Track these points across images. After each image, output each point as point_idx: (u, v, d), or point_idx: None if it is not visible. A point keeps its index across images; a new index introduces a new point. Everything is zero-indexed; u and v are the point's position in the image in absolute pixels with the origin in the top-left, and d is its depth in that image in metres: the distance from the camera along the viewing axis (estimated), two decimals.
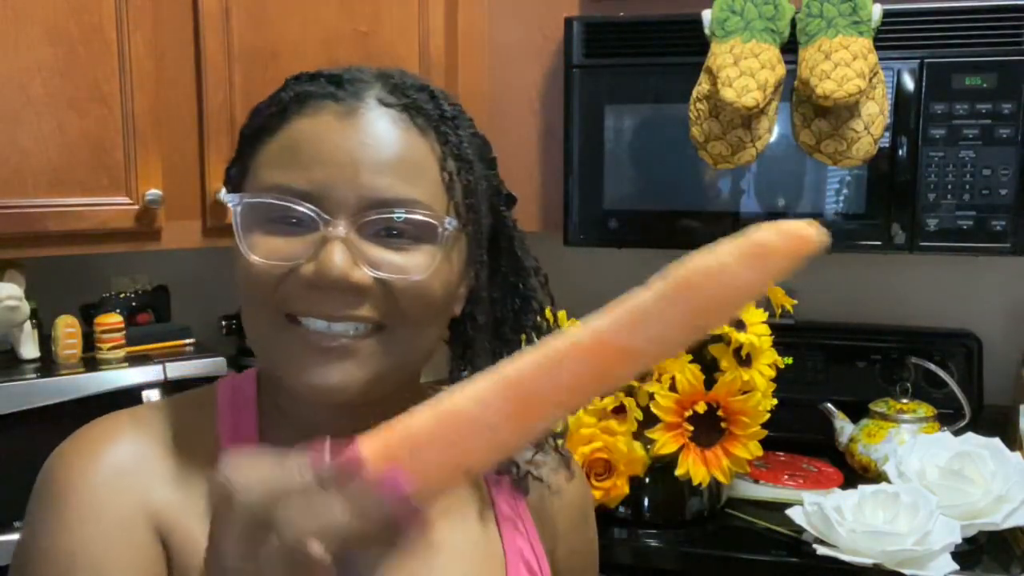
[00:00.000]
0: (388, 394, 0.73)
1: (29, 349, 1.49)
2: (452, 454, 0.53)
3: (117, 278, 1.71)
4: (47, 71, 1.39)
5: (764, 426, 1.43)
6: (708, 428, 1.43)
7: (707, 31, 1.60)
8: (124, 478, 0.72)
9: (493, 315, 0.81)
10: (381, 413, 0.73)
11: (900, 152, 1.59)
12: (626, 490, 1.45)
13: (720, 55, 1.55)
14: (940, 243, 1.59)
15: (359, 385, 0.71)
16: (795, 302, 1.55)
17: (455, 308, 0.78)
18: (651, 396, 1.42)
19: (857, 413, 1.73)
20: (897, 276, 1.95)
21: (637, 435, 1.44)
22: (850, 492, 1.42)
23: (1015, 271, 1.89)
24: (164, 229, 1.54)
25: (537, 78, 1.81)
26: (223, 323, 1.84)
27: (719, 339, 1.42)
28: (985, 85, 1.54)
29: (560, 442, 0.89)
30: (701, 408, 1.41)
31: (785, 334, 1.56)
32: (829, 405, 1.77)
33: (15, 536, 1.32)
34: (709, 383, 1.42)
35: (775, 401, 1.45)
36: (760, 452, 1.44)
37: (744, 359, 1.43)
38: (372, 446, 0.52)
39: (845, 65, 1.48)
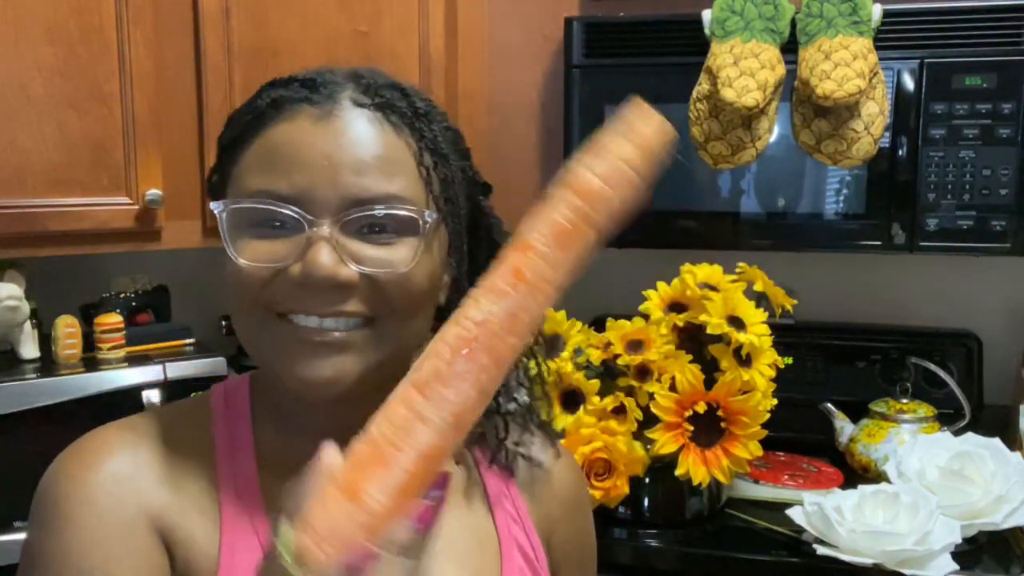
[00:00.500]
0: (378, 387, 0.73)
1: (29, 349, 1.49)
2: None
3: (117, 278, 1.71)
4: (47, 71, 1.39)
5: (764, 426, 1.43)
6: (708, 428, 1.43)
7: (707, 31, 1.60)
8: (123, 485, 0.73)
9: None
10: (372, 408, 0.75)
11: (900, 152, 1.59)
12: (626, 490, 1.44)
13: (720, 55, 1.55)
14: (940, 243, 1.59)
15: (352, 378, 0.73)
16: (795, 302, 1.55)
17: (440, 297, 0.80)
18: (651, 396, 1.42)
19: (857, 413, 1.73)
20: (897, 276, 1.95)
21: (637, 435, 1.44)
22: (850, 492, 1.42)
23: (1015, 271, 1.89)
24: (164, 229, 1.54)
25: (537, 78, 1.81)
26: (223, 323, 1.84)
27: (719, 339, 1.42)
28: (985, 85, 1.54)
29: (543, 421, 0.91)
30: (701, 408, 1.41)
31: (785, 334, 1.56)
32: (829, 405, 1.77)
33: (15, 536, 1.33)
34: (709, 383, 1.42)
35: (775, 401, 1.45)
36: (760, 452, 1.44)
37: (744, 359, 1.43)
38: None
39: (845, 65, 1.48)
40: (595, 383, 1.44)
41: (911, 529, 1.32)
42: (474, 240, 0.83)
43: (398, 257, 0.72)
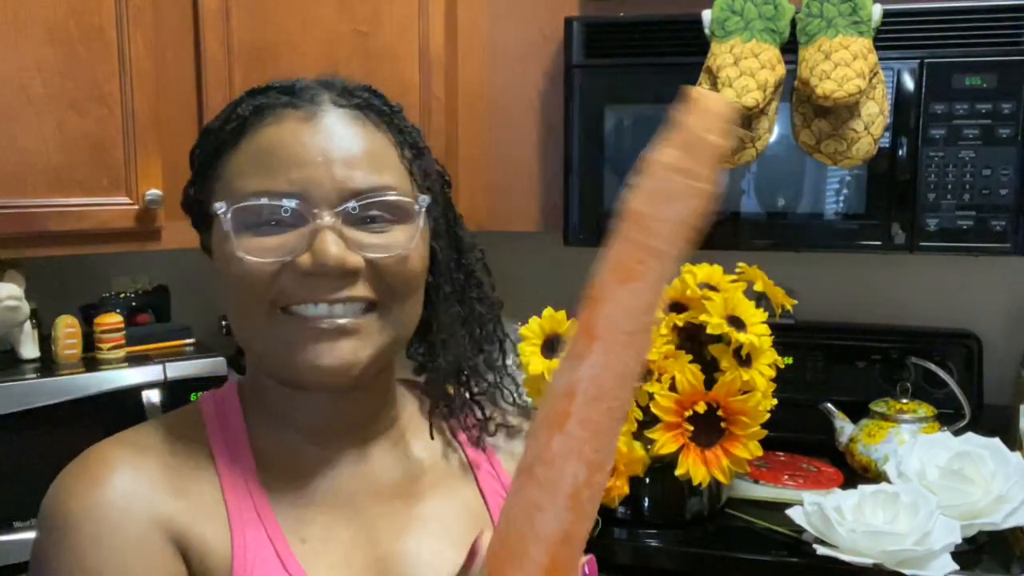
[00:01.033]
0: (374, 377, 0.79)
1: (29, 349, 1.49)
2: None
3: (117, 278, 1.71)
4: (47, 71, 1.39)
5: (764, 426, 1.43)
6: (708, 428, 1.43)
7: (707, 31, 1.60)
8: (132, 498, 0.74)
9: (448, 286, 0.88)
10: (365, 402, 0.82)
11: (900, 152, 1.59)
12: (626, 490, 1.44)
13: (720, 55, 1.55)
14: (940, 243, 1.59)
15: (363, 362, 0.76)
16: (795, 302, 1.55)
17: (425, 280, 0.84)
18: (651, 396, 1.42)
19: (857, 413, 1.73)
20: (897, 276, 1.95)
21: (637, 435, 1.44)
22: (850, 492, 1.42)
23: (1015, 271, 1.89)
24: (164, 229, 1.54)
25: (537, 78, 1.81)
26: (223, 323, 1.83)
27: (719, 339, 1.42)
28: (985, 85, 1.54)
29: (512, 396, 0.95)
30: (701, 408, 1.40)
31: (785, 334, 1.56)
32: (829, 405, 1.77)
33: (15, 536, 1.33)
34: (709, 383, 1.42)
35: (775, 401, 1.45)
36: (760, 452, 1.44)
37: (744, 359, 1.43)
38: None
39: (845, 65, 1.48)
40: None
41: (911, 529, 1.32)
42: (443, 230, 0.87)
43: (396, 242, 0.77)
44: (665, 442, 1.41)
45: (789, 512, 1.45)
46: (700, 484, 1.42)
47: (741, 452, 1.42)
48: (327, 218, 0.74)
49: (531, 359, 1.42)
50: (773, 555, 1.44)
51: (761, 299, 1.51)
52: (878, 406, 1.70)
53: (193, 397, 1.47)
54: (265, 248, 0.74)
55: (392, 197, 0.76)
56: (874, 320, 1.95)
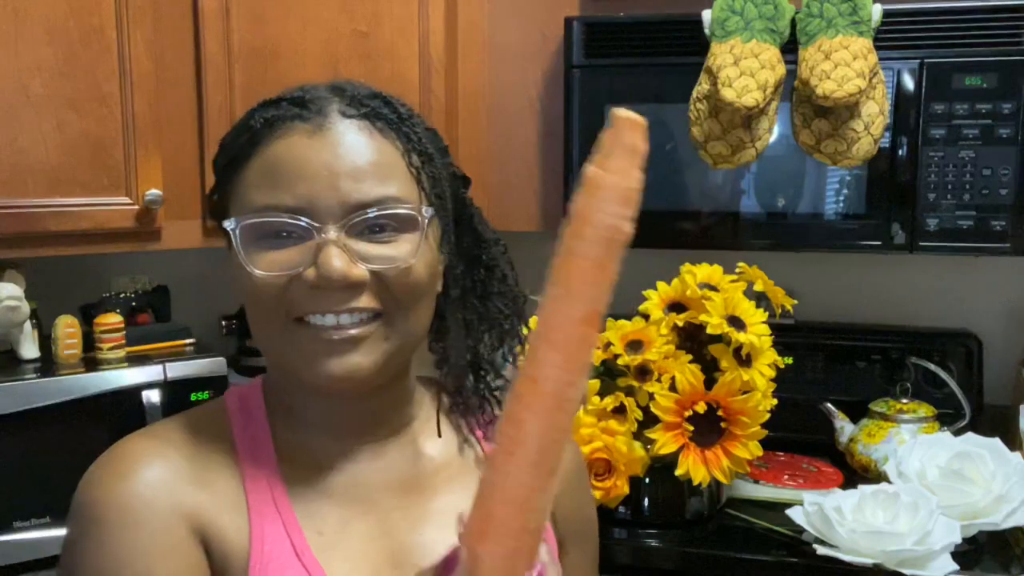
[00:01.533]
0: (388, 380, 0.82)
1: (29, 349, 1.49)
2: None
3: (117, 278, 1.71)
4: (47, 71, 1.39)
5: (764, 426, 1.43)
6: (708, 428, 1.43)
7: (707, 31, 1.60)
8: (157, 490, 0.76)
9: (461, 287, 0.90)
10: (381, 402, 0.85)
11: (900, 152, 1.59)
12: (626, 490, 1.44)
13: (720, 55, 1.55)
14: (940, 243, 1.59)
15: (370, 368, 0.79)
16: (795, 302, 1.55)
17: (438, 286, 0.86)
18: (651, 396, 1.42)
19: (857, 413, 1.73)
20: (897, 276, 1.95)
21: (637, 435, 1.44)
22: (850, 492, 1.42)
23: (1015, 271, 1.89)
24: (164, 229, 1.54)
25: (537, 78, 1.81)
26: (223, 323, 1.84)
27: (719, 339, 1.42)
28: (985, 85, 1.54)
29: None
30: (701, 408, 1.41)
31: (785, 334, 1.56)
32: (829, 405, 1.77)
33: (15, 536, 1.33)
34: (709, 383, 1.42)
35: (775, 401, 1.45)
36: (760, 452, 1.44)
37: (744, 359, 1.43)
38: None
39: (845, 65, 1.48)
40: (595, 383, 1.44)
41: (911, 529, 1.32)
42: (459, 230, 0.89)
43: (401, 253, 0.78)
44: (665, 442, 1.41)
45: (789, 512, 1.45)
46: (700, 484, 1.42)
47: (741, 452, 1.42)
48: (331, 232, 0.76)
49: None
50: (773, 555, 1.44)
51: (761, 299, 1.51)
52: (878, 406, 1.70)
53: (193, 397, 1.48)
54: (273, 262, 0.77)
55: (396, 210, 0.78)
56: (874, 320, 1.95)
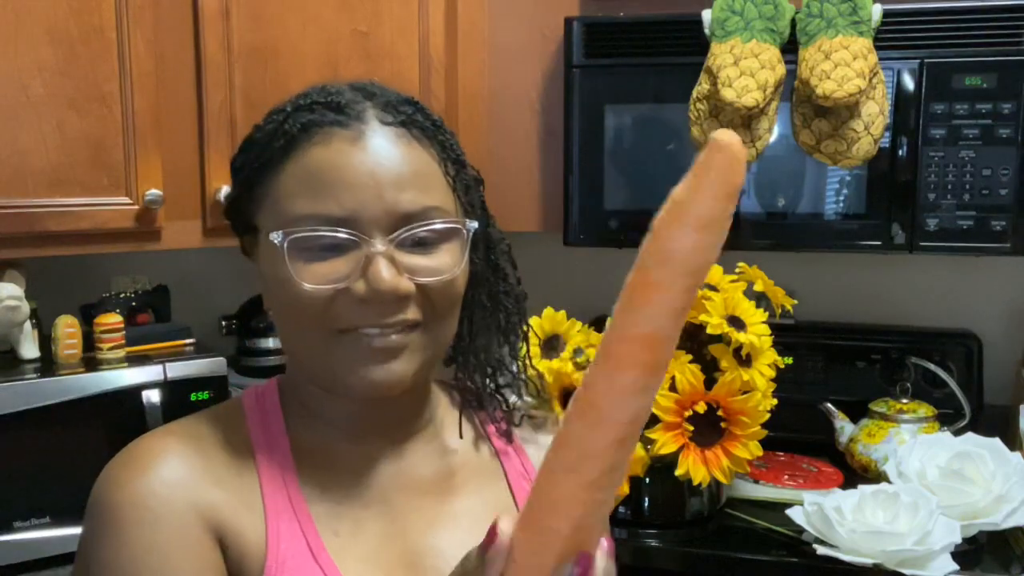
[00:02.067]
0: (414, 384, 0.82)
1: (29, 349, 1.49)
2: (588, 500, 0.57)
3: (117, 278, 1.71)
4: (47, 71, 1.39)
5: (764, 426, 1.43)
6: (708, 428, 1.43)
7: (707, 31, 1.60)
8: (174, 487, 0.76)
9: (478, 289, 0.90)
10: (403, 404, 0.85)
11: (900, 152, 1.59)
12: (626, 490, 1.44)
13: (720, 55, 1.55)
14: (940, 243, 1.59)
15: (411, 376, 0.79)
16: (795, 302, 1.55)
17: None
18: None
19: (857, 413, 1.73)
20: (897, 276, 1.95)
21: None
22: (850, 492, 1.42)
23: (1015, 271, 1.89)
24: (164, 229, 1.54)
25: (537, 78, 1.81)
26: (223, 323, 1.84)
27: (719, 339, 1.42)
28: (985, 85, 1.54)
29: (535, 388, 0.99)
30: (701, 408, 1.40)
31: (785, 334, 1.56)
32: (829, 405, 1.77)
33: (15, 536, 1.33)
34: (709, 383, 1.42)
35: (775, 401, 1.45)
36: (760, 452, 1.44)
37: (744, 359, 1.43)
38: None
39: (845, 65, 1.48)
40: None
41: (911, 529, 1.32)
42: (479, 234, 0.88)
43: (444, 264, 0.79)
44: (665, 442, 1.41)
45: (789, 512, 1.45)
46: (700, 484, 1.42)
47: (741, 452, 1.42)
48: (379, 244, 0.75)
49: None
50: (773, 555, 1.44)
51: (761, 299, 1.51)
52: (878, 406, 1.70)
53: (193, 397, 1.48)
54: (319, 275, 0.76)
55: (441, 226, 0.78)
56: (874, 320, 1.95)
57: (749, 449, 1.43)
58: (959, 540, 1.34)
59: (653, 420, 1.42)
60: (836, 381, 1.89)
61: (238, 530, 0.77)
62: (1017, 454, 1.45)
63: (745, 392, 1.41)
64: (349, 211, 0.75)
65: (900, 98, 1.58)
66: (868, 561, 1.32)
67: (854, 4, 1.51)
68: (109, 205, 1.46)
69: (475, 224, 0.81)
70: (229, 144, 1.54)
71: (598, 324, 1.54)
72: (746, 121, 1.55)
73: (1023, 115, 1.53)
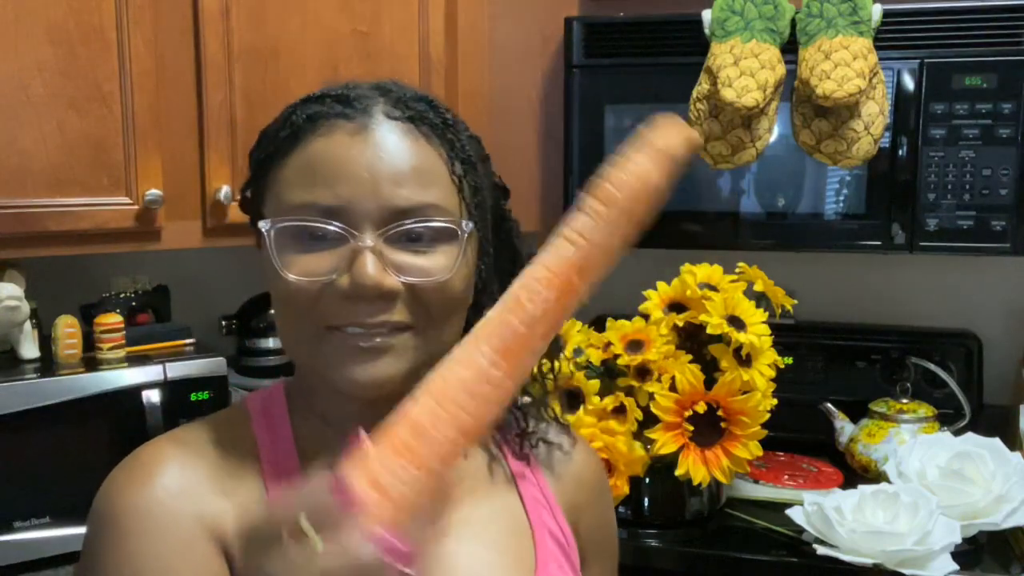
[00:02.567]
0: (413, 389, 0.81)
1: (29, 349, 1.49)
2: (458, 422, 0.60)
3: (117, 278, 1.71)
4: (47, 71, 1.39)
5: (764, 426, 1.43)
6: (708, 428, 1.43)
7: (707, 31, 1.60)
8: (178, 497, 0.75)
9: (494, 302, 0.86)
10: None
11: (900, 152, 1.59)
12: (626, 490, 1.44)
13: (720, 55, 1.55)
14: (940, 243, 1.59)
15: (398, 378, 0.76)
16: (795, 302, 1.55)
17: (470, 299, 0.83)
18: (651, 396, 1.42)
19: (857, 413, 1.73)
20: (897, 276, 1.95)
21: (637, 435, 1.44)
22: (850, 492, 1.42)
23: (1015, 271, 1.89)
24: (164, 229, 1.54)
25: (537, 78, 1.81)
26: (223, 323, 1.84)
27: (719, 339, 1.42)
28: (985, 85, 1.54)
29: (554, 412, 0.96)
30: (701, 408, 1.41)
31: (785, 334, 1.56)
32: (829, 405, 1.77)
33: (15, 536, 1.33)
34: (709, 383, 1.42)
35: (775, 401, 1.45)
36: (760, 452, 1.44)
37: (744, 359, 1.43)
38: (383, 446, 0.61)
39: (845, 65, 1.48)
40: (595, 383, 1.44)
41: (911, 529, 1.32)
42: (497, 242, 0.86)
43: (438, 265, 0.76)
44: (665, 442, 1.41)
45: (789, 512, 1.45)
46: (700, 484, 1.42)
47: (741, 452, 1.42)
48: (368, 238, 0.73)
49: None
50: (773, 555, 1.44)
51: (761, 299, 1.51)
52: (878, 406, 1.70)
53: (193, 397, 1.48)
54: (307, 267, 0.74)
55: (436, 223, 0.76)
56: (874, 320, 1.95)
57: (749, 449, 1.43)
58: (959, 540, 1.34)
59: (653, 420, 1.43)
60: (836, 381, 1.89)
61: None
62: (1017, 454, 1.45)
63: (745, 392, 1.41)
64: (342, 201, 0.74)
65: (900, 98, 1.58)
66: (868, 561, 1.32)
67: (854, 4, 1.51)
68: (109, 205, 1.46)
69: (471, 225, 0.78)
70: (229, 144, 1.54)
71: (598, 324, 1.54)
72: (746, 121, 1.55)
73: (1023, 115, 1.53)
